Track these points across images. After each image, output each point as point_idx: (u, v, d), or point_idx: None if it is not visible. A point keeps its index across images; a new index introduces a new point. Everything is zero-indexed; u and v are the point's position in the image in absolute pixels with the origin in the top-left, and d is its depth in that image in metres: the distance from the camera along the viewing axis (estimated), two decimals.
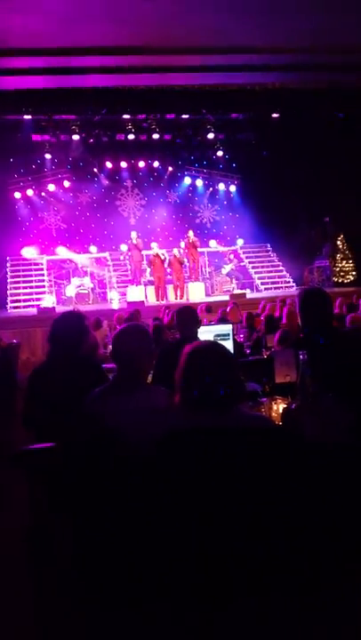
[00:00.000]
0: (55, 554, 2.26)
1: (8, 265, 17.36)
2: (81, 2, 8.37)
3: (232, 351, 5.19)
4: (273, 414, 3.57)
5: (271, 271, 18.72)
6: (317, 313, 3.33)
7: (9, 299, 16.44)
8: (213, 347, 2.24)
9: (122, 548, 1.97)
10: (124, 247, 16.82)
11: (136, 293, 15.54)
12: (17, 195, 18.14)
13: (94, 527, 2.00)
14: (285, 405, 3.57)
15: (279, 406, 3.67)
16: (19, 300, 16.36)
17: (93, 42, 9.49)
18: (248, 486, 1.88)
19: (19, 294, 16.62)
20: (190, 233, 16.53)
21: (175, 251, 16.01)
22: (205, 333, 4.70)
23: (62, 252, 17.70)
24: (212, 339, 4.79)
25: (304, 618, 1.95)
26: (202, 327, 4.59)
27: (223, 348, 2.25)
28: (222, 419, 2.04)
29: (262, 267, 18.84)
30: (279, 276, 18.42)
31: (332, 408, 2.60)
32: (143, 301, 14.84)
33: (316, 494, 1.97)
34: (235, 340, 5.67)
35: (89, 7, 8.45)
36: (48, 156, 17.27)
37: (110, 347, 4.05)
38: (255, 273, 18.43)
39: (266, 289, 17.52)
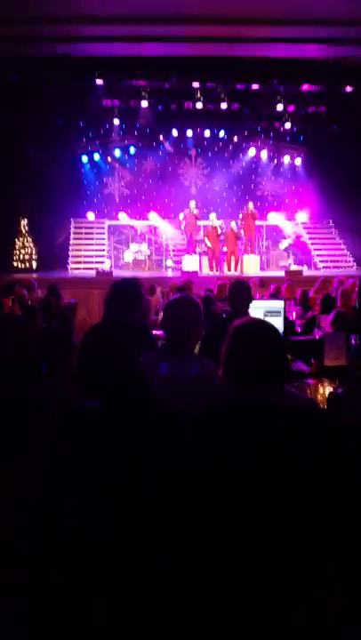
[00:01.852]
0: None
1: (72, 227, 17.71)
2: None
3: (282, 329, 5.19)
4: (319, 397, 3.55)
5: (332, 249, 18.10)
6: None
7: (70, 259, 16.80)
8: (261, 324, 2.22)
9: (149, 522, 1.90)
10: (181, 216, 16.81)
11: (191, 263, 15.59)
12: (84, 158, 18.38)
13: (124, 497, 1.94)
14: (332, 389, 3.54)
15: (326, 389, 3.66)
16: (79, 262, 16.69)
17: (166, 11, 9.46)
18: (283, 465, 1.85)
19: (80, 256, 16.95)
20: (250, 204, 16.37)
21: (233, 223, 15.89)
22: (256, 309, 4.66)
23: (123, 219, 17.87)
24: (262, 314, 4.79)
25: None
26: (253, 302, 4.52)
27: (271, 326, 2.22)
28: (265, 395, 2.04)
29: (323, 244, 18.23)
30: (340, 255, 17.76)
31: None
32: (197, 272, 14.88)
33: (352, 484, 1.93)
34: (286, 318, 5.63)
35: None
36: (116, 122, 17.35)
37: (161, 314, 4.15)
38: (315, 250, 17.90)
39: (325, 267, 17.00)
